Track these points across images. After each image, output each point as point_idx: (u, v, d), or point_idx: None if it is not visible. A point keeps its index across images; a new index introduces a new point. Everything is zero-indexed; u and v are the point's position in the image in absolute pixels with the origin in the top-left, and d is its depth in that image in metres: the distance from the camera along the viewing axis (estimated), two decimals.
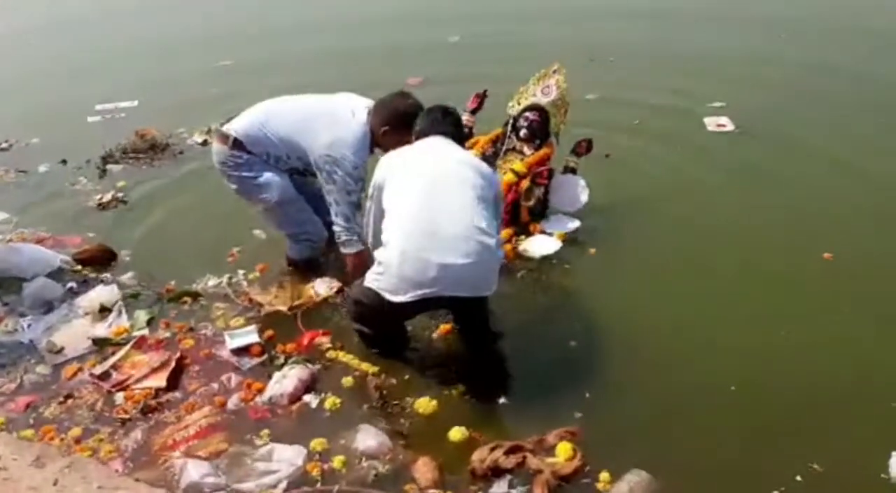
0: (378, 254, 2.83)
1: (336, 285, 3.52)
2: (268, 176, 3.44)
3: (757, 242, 3.80)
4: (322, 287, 3.53)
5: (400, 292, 2.75)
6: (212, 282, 3.63)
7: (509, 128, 4.12)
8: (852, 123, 5.16)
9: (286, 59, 6.88)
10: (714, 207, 4.16)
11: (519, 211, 3.98)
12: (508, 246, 3.74)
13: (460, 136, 3.16)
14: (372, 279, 2.83)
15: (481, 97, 4.22)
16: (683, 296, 3.46)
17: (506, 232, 3.79)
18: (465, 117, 4.11)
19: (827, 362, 3.01)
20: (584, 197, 4.05)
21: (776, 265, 3.62)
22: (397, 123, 3.24)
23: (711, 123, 5.22)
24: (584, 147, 4.13)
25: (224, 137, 3.44)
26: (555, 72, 4.11)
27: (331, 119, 3.37)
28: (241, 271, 3.71)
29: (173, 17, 8.87)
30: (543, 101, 4.04)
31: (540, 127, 4.03)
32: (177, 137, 5.34)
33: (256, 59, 6.94)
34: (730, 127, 5.15)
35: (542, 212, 4.08)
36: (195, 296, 3.53)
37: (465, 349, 3.14)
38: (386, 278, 2.77)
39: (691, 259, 3.72)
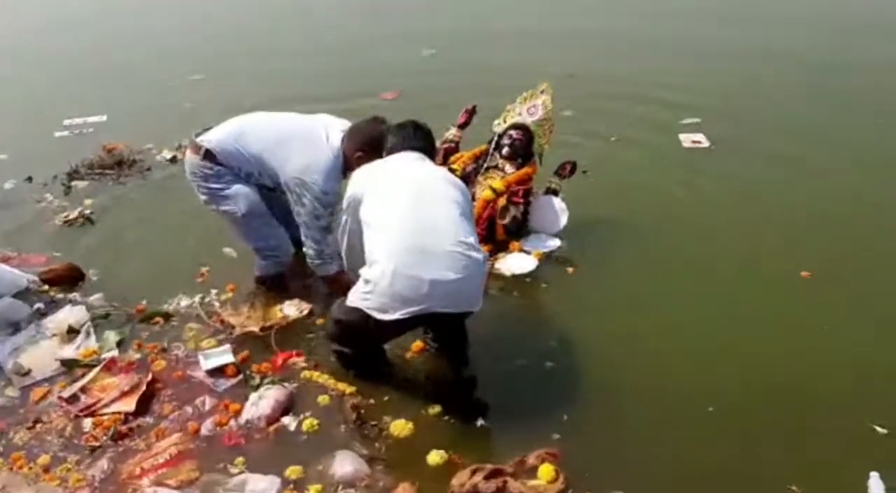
0: (365, 273, 2.79)
1: (305, 307, 3.50)
2: (236, 188, 3.44)
3: (738, 261, 3.84)
4: (291, 309, 3.50)
5: (391, 310, 2.71)
6: (184, 302, 3.58)
7: (493, 145, 4.14)
8: (840, 130, 5.35)
9: (260, 74, 6.86)
10: (693, 226, 4.20)
11: (494, 228, 4.00)
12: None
13: (431, 151, 3.17)
14: (360, 299, 2.79)
15: (470, 113, 4.28)
16: (662, 316, 3.47)
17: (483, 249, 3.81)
18: (452, 132, 4.25)
19: (806, 379, 3.04)
20: (563, 220, 4.06)
21: (759, 285, 3.67)
22: (372, 149, 3.23)
23: (686, 139, 5.28)
24: (567, 169, 4.18)
25: (196, 148, 3.43)
26: (542, 92, 4.18)
27: (305, 142, 3.37)
28: (213, 291, 3.66)
29: (147, 29, 8.81)
30: (528, 120, 4.10)
31: (523, 146, 4.07)
32: (145, 152, 5.27)
33: (230, 74, 6.93)
34: (705, 143, 5.22)
35: (518, 231, 4.07)
36: (167, 316, 3.48)
37: (443, 364, 3.14)
38: (375, 296, 2.73)
39: (670, 278, 3.75)
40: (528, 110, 4.17)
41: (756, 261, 3.83)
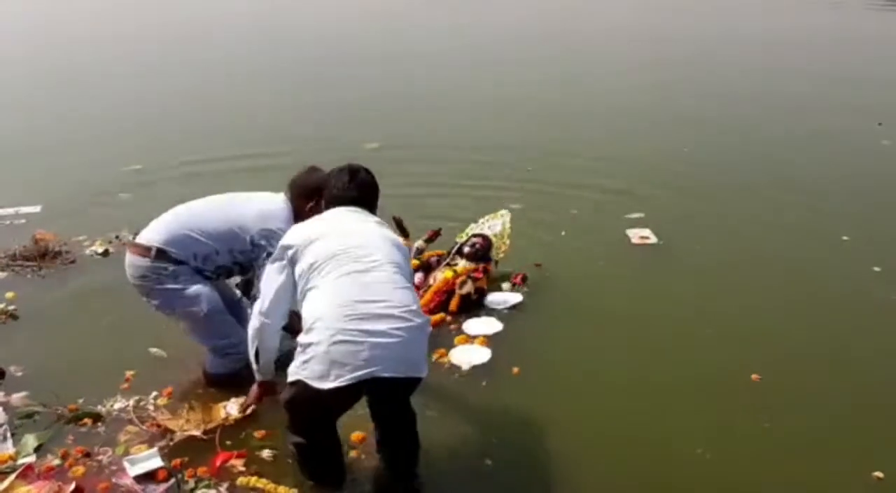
0: (302, 339, 2.72)
1: (250, 406, 3.44)
2: (196, 287, 3.43)
3: (685, 360, 3.96)
4: (234, 408, 3.45)
5: (330, 376, 2.61)
6: (118, 404, 3.48)
7: (455, 249, 4.72)
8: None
9: (197, 167, 6.86)
10: (643, 326, 4.29)
11: (450, 300, 4.32)
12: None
13: (371, 201, 3.16)
14: (297, 370, 2.70)
15: (436, 234, 4.83)
16: (606, 422, 3.50)
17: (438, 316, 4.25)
18: (419, 242, 4.76)
19: (742, 482, 3.12)
20: (513, 299, 4.48)
21: (702, 385, 3.76)
22: (320, 196, 3.26)
23: (634, 235, 5.46)
24: (519, 279, 4.66)
25: (144, 249, 3.40)
26: (502, 215, 4.94)
27: (255, 200, 3.55)
28: (153, 393, 3.55)
29: (84, 117, 8.78)
30: (488, 232, 4.75)
31: (483, 249, 4.70)
32: (75, 244, 5.19)
33: (167, 165, 6.93)
34: (653, 239, 5.40)
35: (471, 307, 4.37)
36: (97, 418, 3.37)
37: (384, 458, 3.04)
38: (313, 364, 2.65)
39: (616, 383, 3.80)
40: (489, 226, 4.83)
41: (706, 363, 3.95)
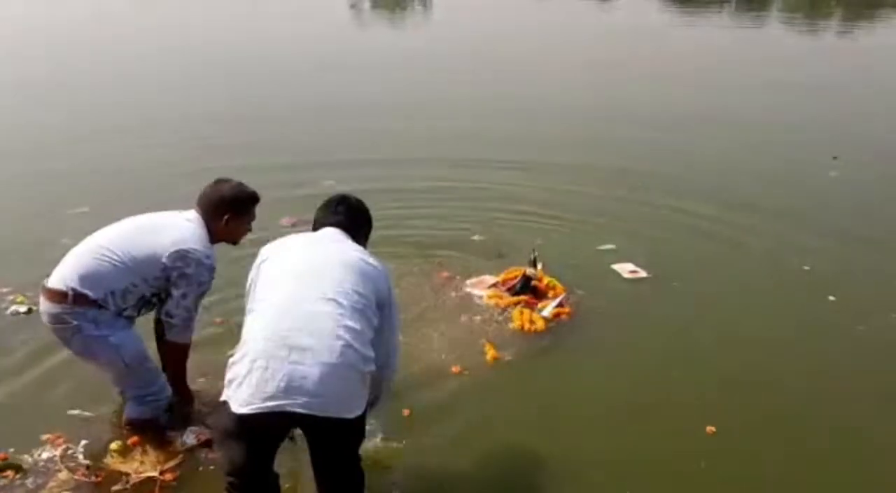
0: (231, 360, 2.76)
1: (203, 434, 3.58)
2: (121, 335, 3.44)
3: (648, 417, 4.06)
4: (190, 437, 3.59)
5: (246, 404, 2.65)
6: (45, 454, 3.53)
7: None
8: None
9: (150, 206, 6.86)
10: (611, 366, 4.51)
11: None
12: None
13: (356, 225, 3.22)
14: (225, 389, 2.75)
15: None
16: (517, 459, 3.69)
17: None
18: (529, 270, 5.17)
19: None
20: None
21: (664, 436, 3.89)
22: (236, 208, 3.54)
23: (623, 269, 5.54)
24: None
25: (60, 295, 3.36)
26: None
27: (165, 224, 3.54)
28: (83, 442, 3.58)
29: (30, 155, 8.72)
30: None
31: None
32: None
33: (115, 207, 6.88)
34: (643, 274, 5.48)
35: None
36: (17, 469, 3.41)
37: None
38: (234, 387, 2.69)
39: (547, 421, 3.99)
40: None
41: (662, 409, 4.09)
